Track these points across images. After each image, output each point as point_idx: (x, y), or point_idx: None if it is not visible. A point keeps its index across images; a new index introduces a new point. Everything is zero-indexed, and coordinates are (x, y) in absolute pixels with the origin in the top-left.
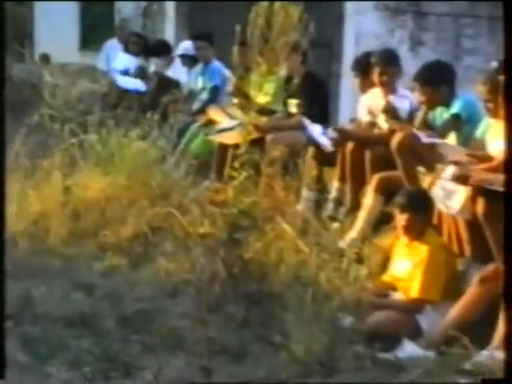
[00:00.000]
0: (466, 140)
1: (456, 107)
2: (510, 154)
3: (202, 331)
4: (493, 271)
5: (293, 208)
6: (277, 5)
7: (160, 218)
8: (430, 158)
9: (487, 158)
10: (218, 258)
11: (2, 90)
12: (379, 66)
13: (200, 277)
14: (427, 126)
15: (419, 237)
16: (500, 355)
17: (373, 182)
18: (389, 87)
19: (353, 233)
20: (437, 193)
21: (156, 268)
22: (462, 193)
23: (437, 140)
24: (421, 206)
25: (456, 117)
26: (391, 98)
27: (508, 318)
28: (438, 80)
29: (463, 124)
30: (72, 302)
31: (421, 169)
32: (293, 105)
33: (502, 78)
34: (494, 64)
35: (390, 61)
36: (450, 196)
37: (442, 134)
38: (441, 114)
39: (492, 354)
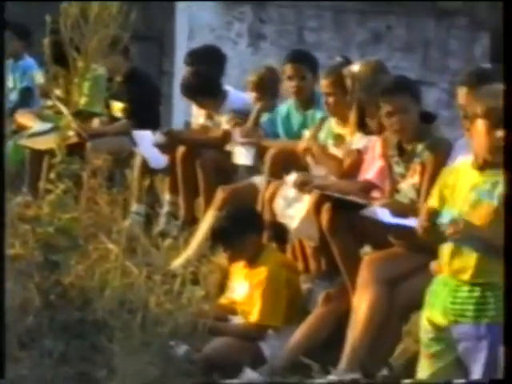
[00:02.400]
0: None
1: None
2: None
3: (13, 371)
4: (338, 289)
5: (119, 224)
6: None
7: None
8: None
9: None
10: (32, 283)
11: (3, 90)
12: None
13: (10, 306)
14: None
15: (255, 259)
16: (348, 377)
17: (217, 197)
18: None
19: (188, 251)
20: (278, 204)
21: None
22: (304, 204)
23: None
24: (246, 227)
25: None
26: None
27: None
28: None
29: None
30: None
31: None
32: (117, 107)
33: (347, 71)
34: (339, 59)
35: (204, 92)
36: (291, 207)
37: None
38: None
39: (339, 377)
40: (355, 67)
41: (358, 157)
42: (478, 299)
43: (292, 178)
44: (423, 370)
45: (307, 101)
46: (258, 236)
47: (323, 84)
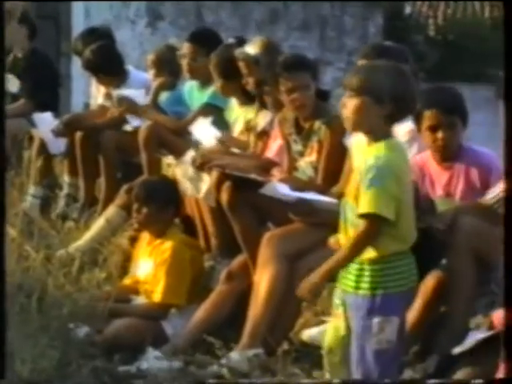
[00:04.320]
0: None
1: (209, 96)
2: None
3: None
4: (239, 266)
5: (17, 207)
6: None
7: None
8: (181, 145)
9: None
10: None
11: (2, 89)
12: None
13: None
14: (156, 106)
15: (161, 233)
16: (250, 353)
17: (119, 195)
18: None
19: (88, 233)
20: (182, 175)
21: None
22: (206, 179)
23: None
24: (159, 198)
25: (208, 106)
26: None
27: (507, 312)
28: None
29: (219, 110)
30: None
31: (170, 158)
32: (13, 82)
33: (239, 53)
34: (231, 40)
35: (107, 68)
36: (195, 180)
37: (193, 119)
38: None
39: (242, 354)
40: (248, 49)
41: (267, 138)
42: (356, 271)
43: (189, 156)
44: (328, 332)
45: (206, 81)
46: (172, 210)
47: (210, 66)
